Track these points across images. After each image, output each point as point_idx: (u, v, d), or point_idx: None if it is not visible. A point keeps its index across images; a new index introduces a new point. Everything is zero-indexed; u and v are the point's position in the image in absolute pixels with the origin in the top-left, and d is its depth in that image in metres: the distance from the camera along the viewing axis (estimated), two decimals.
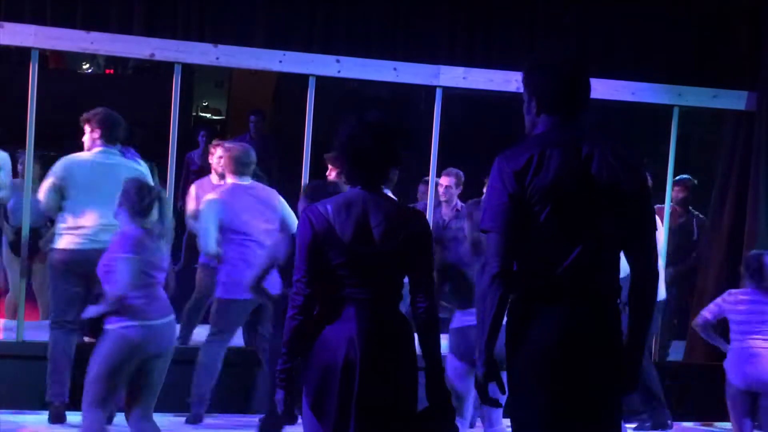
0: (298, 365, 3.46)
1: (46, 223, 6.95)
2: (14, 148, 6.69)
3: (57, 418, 5.87)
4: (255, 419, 5.58)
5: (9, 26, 6.38)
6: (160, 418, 4.96)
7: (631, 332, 3.25)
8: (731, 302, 5.78)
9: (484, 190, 6.67)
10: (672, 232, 7.40)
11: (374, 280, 3.44)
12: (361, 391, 3.35)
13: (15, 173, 7.32)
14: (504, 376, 3.19)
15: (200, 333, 6.67)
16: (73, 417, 5.80)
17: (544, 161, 3.11)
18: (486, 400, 3.21)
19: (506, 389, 3.21)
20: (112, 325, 4.63)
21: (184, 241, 8.10)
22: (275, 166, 9.65)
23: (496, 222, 3.11)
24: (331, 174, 6.44)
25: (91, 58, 14.82)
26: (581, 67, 3.27)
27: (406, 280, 3.55)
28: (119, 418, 5.36)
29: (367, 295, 3.42)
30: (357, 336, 3.37)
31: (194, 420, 6.12)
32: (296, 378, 3.47)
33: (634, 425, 6.47)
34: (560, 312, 3.13)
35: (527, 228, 3.11)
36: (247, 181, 6.24)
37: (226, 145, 6.73)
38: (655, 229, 3.34)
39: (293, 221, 5.96)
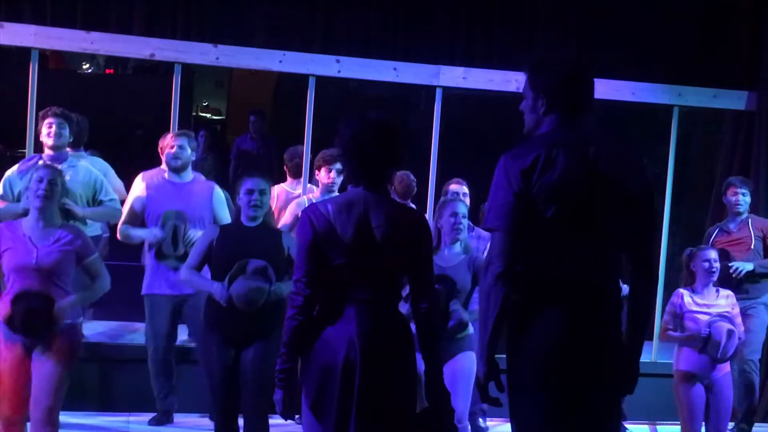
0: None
1: None
2: (14, 148, 6.68)
3: None
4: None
5: (9, 26, 6.38)
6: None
7: (630, 332, 3.25)
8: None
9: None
10: None
11: (375, 281, 3.43)
12: (361, 392, 3.35)
13: None
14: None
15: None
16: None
17: (551, 161, 3.10)
18: (486, 398, 3.21)
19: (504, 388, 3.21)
20: None
21: None
22: (275, 166, 9.65)
23: (502, 221, 3.10)
24: (319, 175, 6.34)
25: (91, 58, 14.84)
26: (588, 67, 3.28)
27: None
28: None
29: (367, 296, 3.41)
30: (357, 337, 3.37)
31: None
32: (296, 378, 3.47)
33: None
34: (562, 312, 3.12)
35: (531, 227, 3.11)
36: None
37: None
38: (656, 231, 3.34)
39: None
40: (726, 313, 5.77)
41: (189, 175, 6.11)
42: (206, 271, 4.98)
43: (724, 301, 5.84)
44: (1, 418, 4.69)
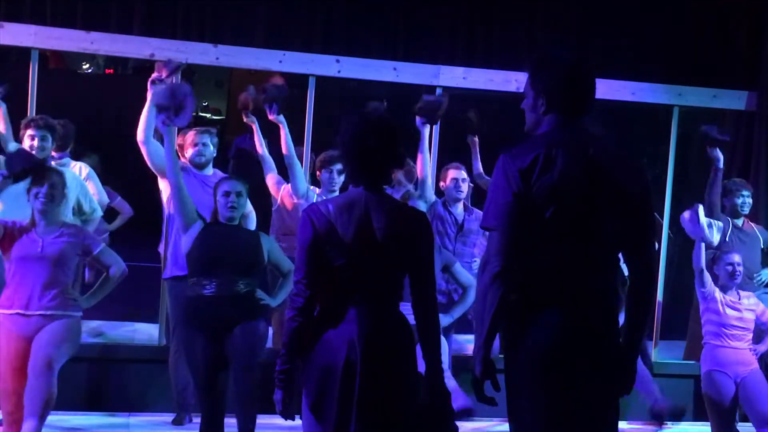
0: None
1: None
2: None
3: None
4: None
5: (9, 26, 6.37)
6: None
7: (628, 333, 3.25)
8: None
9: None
10: None
11: (376, 281, 3.42)
12: (362, 393, 3.34)
13: None
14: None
15: None
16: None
17: (551, 161, 3.10)
18: (482, 398, 3.21)
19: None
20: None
21: None
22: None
23: (500, 220, 3.09)
24: (320, 176, 6.40)
25: (91, 58, 14.83)
26: (590, 68, 3.26)
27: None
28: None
29: (368, 297, 3.40)
30: (358, 338, 3.36)
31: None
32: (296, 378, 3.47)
33: None
34: (560, 312, 3.12)
35: (530, 227, 3.10)
36: None
37: None
38: (653, 231, 3.34)
39: None
40: (753, 311, 5.89)
41: (210, 170, 6.13)
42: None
43: (746, 301, 5.92)
44: (3, 414, 4.75)
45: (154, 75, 5.92)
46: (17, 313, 4.80)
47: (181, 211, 5.06)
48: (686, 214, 6.08)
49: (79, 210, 5.98)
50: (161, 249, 6.35)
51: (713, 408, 5.84)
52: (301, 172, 6.37)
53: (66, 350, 4.90)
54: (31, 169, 4.92)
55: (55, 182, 4.88)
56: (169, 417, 6.01)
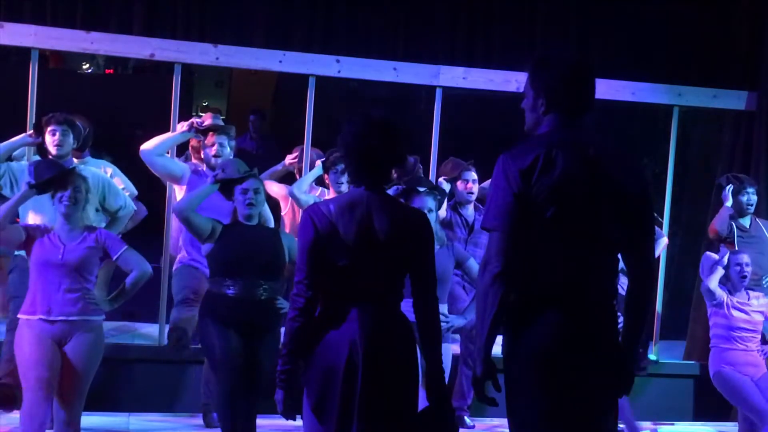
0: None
1: None
2: None
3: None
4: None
5: (9, 26, 6.38)
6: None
7: (627, 334, 3.25)
8: None
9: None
10: None
11: (377, 282, 3.42)
12: (364, 393, 3.34)
13: None
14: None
15: None
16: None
17: (551, 161, 3.09)
18: (483, 398, 3.21)
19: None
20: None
21: None
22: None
23: (500, 221, 3.09)
24: (328, 179, 6.43)
25: (91, 58, 14.82)
26: (590, 67, 3.26)
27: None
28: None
29: (369, 297, 3.41)
30: (360, 338, 3.36)
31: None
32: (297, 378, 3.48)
33: None
34: (560, 312, 3.12)
35: (530, 228, 3.10)
36: None
37: None
38: (654, 233, 3.34)
39: None
40: (762, 312, 5.86)
41: None
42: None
43: (756, 302, 5.89)
44: (26, 405, 4.78)
45: (196, 120, 6.11)
46: (40, 319, 4.81)
47: (197, 237, 5.08)
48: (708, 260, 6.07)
49: (103, 208, 5.96)
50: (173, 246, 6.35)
51: (736, 400, 5.77)
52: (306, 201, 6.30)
53: (94, 368, 4.99)
54: (56, 177, 4.91)
55: (79, 186, 4.90)
56: (168, 417, 6.02)
